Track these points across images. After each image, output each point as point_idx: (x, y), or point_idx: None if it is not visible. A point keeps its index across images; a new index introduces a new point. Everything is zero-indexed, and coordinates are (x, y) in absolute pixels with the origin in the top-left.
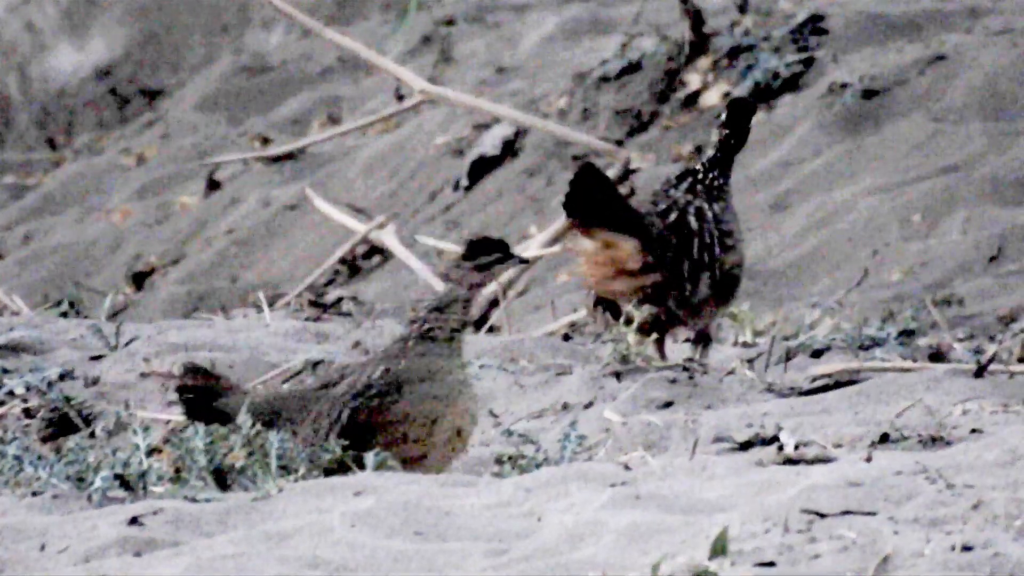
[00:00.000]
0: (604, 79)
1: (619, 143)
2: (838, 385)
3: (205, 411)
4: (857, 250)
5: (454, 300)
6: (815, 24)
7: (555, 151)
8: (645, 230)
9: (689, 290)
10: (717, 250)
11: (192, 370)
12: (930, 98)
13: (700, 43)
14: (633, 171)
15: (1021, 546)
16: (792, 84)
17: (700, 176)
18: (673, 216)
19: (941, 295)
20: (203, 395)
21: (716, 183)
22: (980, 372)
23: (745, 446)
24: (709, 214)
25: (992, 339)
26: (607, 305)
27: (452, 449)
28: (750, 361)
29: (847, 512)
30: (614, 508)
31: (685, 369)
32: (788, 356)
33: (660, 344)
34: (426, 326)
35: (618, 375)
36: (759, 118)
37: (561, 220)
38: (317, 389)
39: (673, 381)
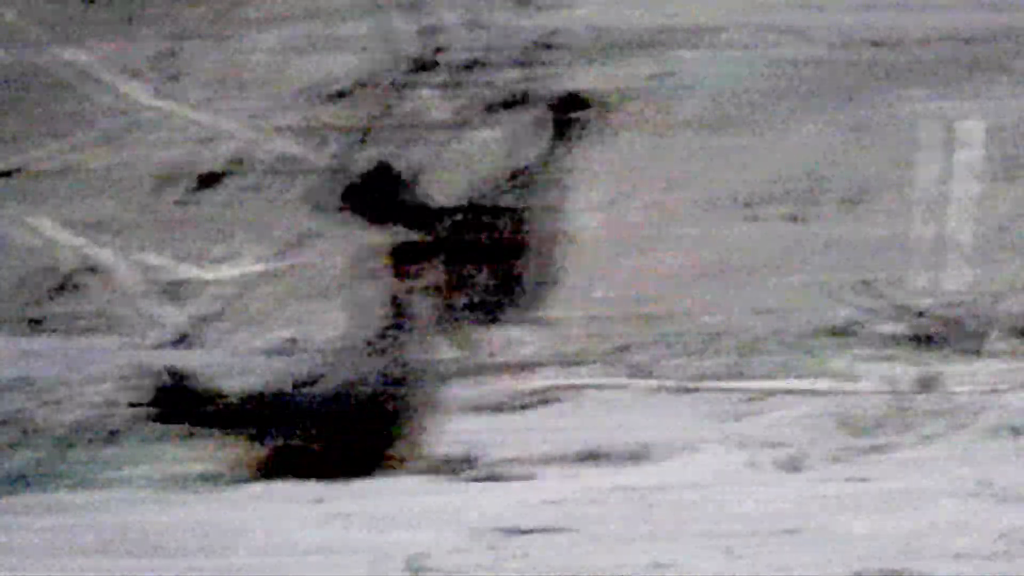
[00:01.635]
0: (333, 95)
1: (345, 159)
2: (540, 402)
3: (187, 413)
4: (575, 266)
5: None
6: (546, 39)
7: (280, 167)
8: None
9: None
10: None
11: (171, 372)
12: (659, 113)
13: (430, 58)
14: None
15: (718, 564)
16: (521, 99)
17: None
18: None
19: (654, 311)
20: (184, 397)
21: (541, 177)
22: (687, 389)
23: (446, 462)
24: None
25: (700, 356)
26: (399, 305)
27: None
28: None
29: (545, 530)
30: (315, 524)
31: None
32: (492, 372)
33: None
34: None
35: None
36: (487, 134)
37: (278, 236)
38: (300, 386)
39: None
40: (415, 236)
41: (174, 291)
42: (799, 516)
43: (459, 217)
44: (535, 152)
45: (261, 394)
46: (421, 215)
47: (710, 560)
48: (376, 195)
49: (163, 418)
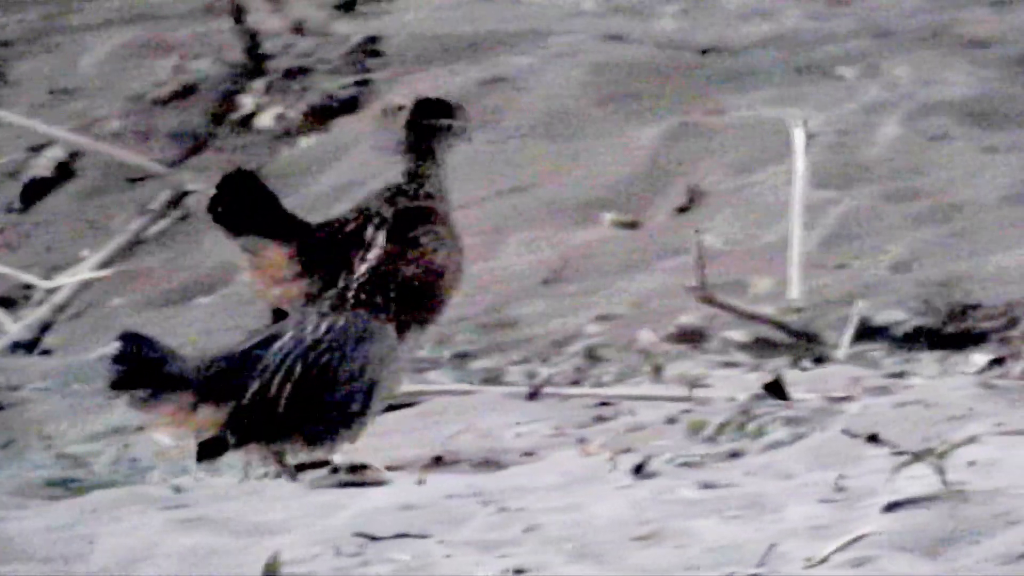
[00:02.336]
0: (159, 101)
1: (173, 165)
2: (392, 408)
3: (147, 378)
4: None
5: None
6: (371, 46)
7: (111, 173)
8: (298, 236)
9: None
10: (376, 260)
11: (130, 338)
12: (489, 120)
13: (256, 65)
14: (187, 193)
15: (574, 568)
16: (349, 106)
17: (404, 188)
18: (352, 226)
19: (497, 318)
20: (144, 363)
21: (420, 192)
22: (533, 395)
23: (298, 469)
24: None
25: (546, 362)
26: (280, 315)
27: (378, 412)
28: None
29: (400, 535)
30: (169, 531)
31: None
32: None
33: None
34: (363, 296)
35: None
36: (313, 140)
37: (114, 243)
38: (260, 344)
39: None
40: (270, 243)
41: (15, 298)
42: (653, 521)
43: (308, 224)
44: (369, 161)
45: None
46: (272, 221)
47: (568, 565)
48: (225, 202)
49: (122, 384)
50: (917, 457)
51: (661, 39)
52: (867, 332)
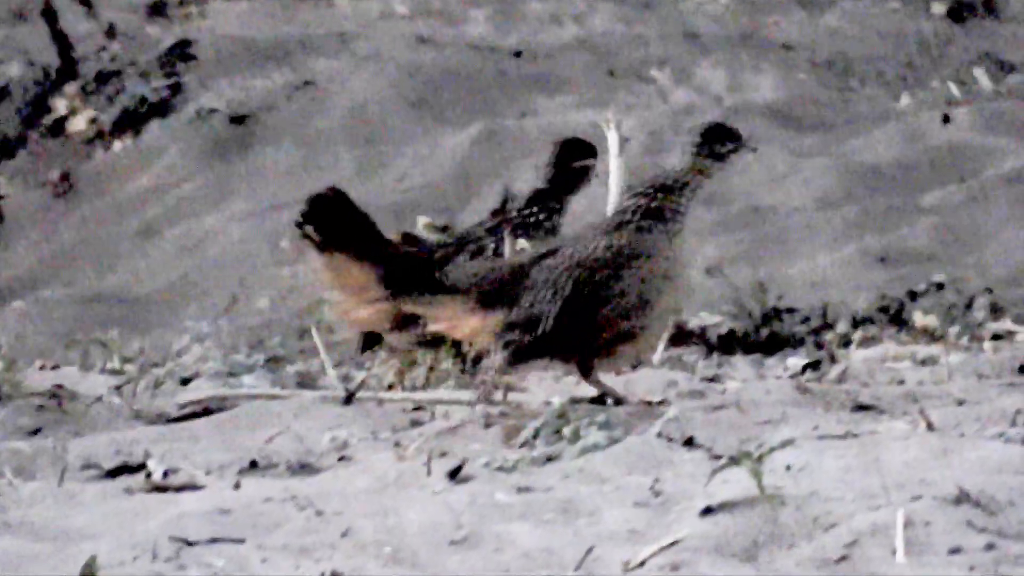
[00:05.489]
0: None
1: None
2: (207, 412)
3: (423, 282)
4: (227, 276)
5: (684, 184)
6: (183, 49)
7: None
8: (388, 258)
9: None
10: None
11: (408, 239)
12: (299, 124)
13: (68, 68)
14: (2, 197)
15: (390, 572)
16: (160, 110)
17: (515, 214)
18: (446, 252)
19: (310, 323)
20: (421, 267)
21: (533, 219)
22: (349, 399)
23: (113, 473)
24: (489, 252)
25: (360, 366)
26: (369, 341)
27: (662, 328)
28: (118, 388)
29: (216, 540)
30: None
31: (53, 396)
32: (157, 383)
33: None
34: (653, 203)
35: None
36: (127, 143)
37: None
38: (536, 260)
39: (41, 408)
40: (357, 263)
41: None
42: (469, 525)
43: (399, 246)
44: (181, 165)
45: None
46: (362, 240)
47: (384, 569)
48: (315, 219)
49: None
50: (733, 461)
51: (471, 42)
52: (682, 336)
